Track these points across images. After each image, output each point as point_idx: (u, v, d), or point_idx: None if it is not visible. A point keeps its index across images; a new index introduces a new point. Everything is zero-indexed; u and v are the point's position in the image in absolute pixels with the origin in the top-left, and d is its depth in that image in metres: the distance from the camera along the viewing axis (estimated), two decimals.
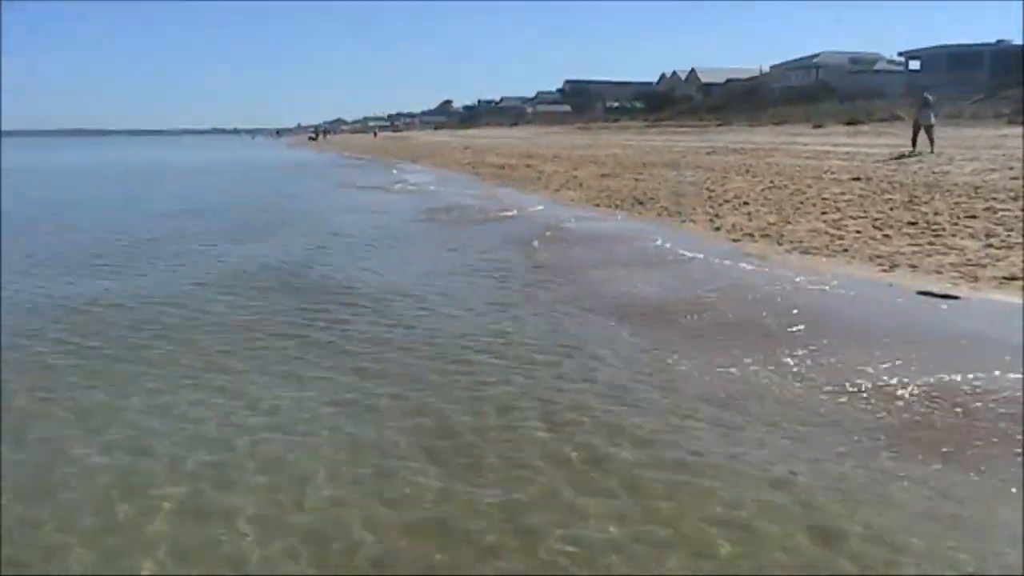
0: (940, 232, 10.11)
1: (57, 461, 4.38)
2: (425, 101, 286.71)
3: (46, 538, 3.62)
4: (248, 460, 4.35)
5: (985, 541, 3.43)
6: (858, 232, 10.66)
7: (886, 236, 10.25)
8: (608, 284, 8.70)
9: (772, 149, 27.51)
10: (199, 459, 4.37)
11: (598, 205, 16.26)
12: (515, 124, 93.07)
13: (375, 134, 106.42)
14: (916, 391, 5.04)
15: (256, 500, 3.90)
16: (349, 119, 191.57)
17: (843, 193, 14.29)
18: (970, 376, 5.22)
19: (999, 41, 56.03)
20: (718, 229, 11.97)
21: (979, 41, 55.84)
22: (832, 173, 17.89)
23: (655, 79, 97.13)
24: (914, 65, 60.58)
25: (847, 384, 5.22)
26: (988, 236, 9.65)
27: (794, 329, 6.55)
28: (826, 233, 10.80)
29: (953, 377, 5.23)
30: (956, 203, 12.14)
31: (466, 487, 3.99)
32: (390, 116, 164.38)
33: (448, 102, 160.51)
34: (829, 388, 5.19)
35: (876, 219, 11.40)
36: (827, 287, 7.97)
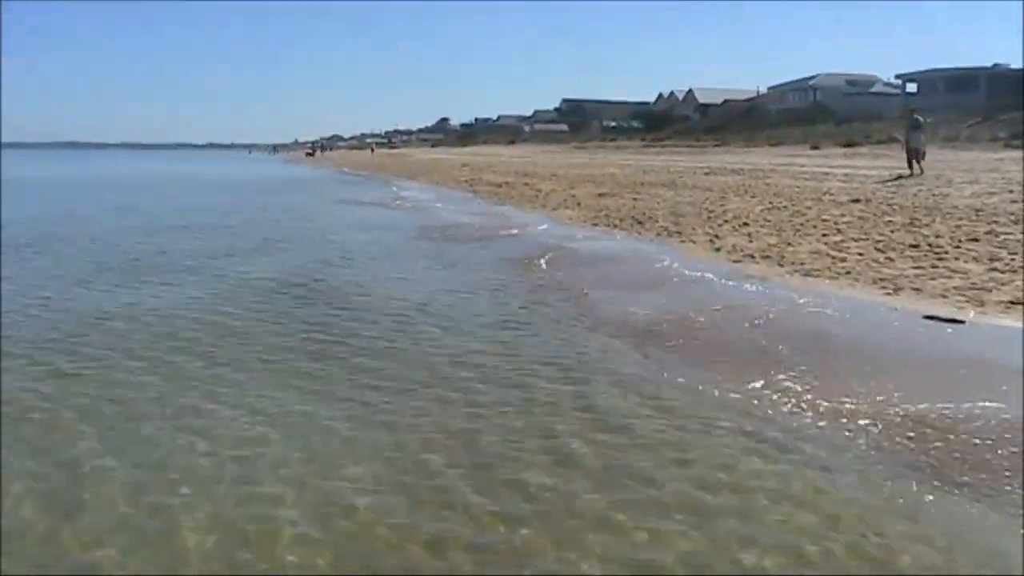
0: (943, 255, 10.05)
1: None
2: (422, 118, 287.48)
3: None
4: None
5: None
6: (860, 254, 10.60)
7: (888, 258, 10.19)
8: (612, 304, 8.60)
9: (770, 170, 27.55)
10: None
11: (596, 224, 16.20)
12: (512, 142, 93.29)
13: (372, 150, 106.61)
14: (933, 417, 4.95)
15: None
16: (346, 135, 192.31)
17: (843, 215, 14.25)
18: (992, 404, 5.13)
19: (995, 65, 56.46)
20: (718, 250, 11.91)
21: (975, 65, 56.24)
22: (831, 195, 17.87)
23: (652, 99, 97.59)
24: (911, 88, 61.00)
25: (867, 413, 5.13)
26: (992, 260, 9.59)
27: (806, 355, 6.45)
28: (828, 255, 10.73)
29: (976, 403, 5.14)
30: (957, 226, 12.10)
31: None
32: (387, 133, 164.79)
33: (445, 119, 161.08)
34: (845, 417, 5.09)
35: (878, 241, 11.34)
36: (833, 310, 7.89)
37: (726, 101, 78.73)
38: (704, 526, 3.73)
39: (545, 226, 16.26)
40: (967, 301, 7.95)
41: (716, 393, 5.59)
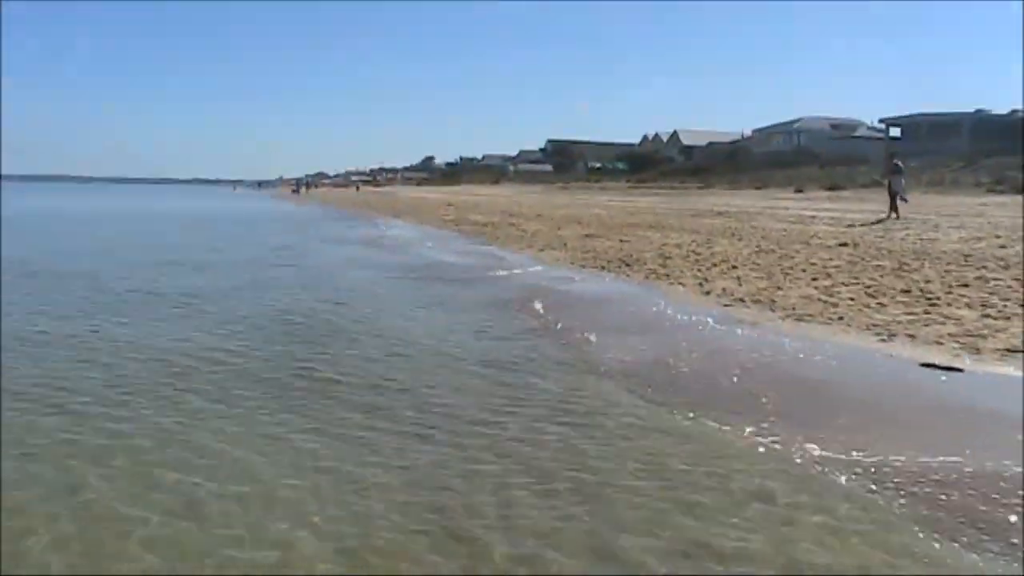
0: (935, 301, 10.01)
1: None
2: (408, 156, 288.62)
3: None
4: None
5: None
6: (851, 299, 10.55)
7: (880, 304, 10.13)
8: (605, 349, 8.49)
9: (756, 212, 27.70)
10: None
11: (584, 266, 16.10)
12: (497, 181, 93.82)
13: (358, 188, 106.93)
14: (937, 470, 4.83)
15: None
16: (331, 172, 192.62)
17: (831, 259, 14.24)
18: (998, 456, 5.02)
19: (978, 110, 57.43)
20: (708, 293, 11.82)
21: (958, 110, 57.15)
22: (819, 238, 17.92)
23: (637, 140, 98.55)
24: (895, 132, 61.89)
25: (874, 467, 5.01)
26: (984, 306, 9.56)
27: (807, 403, 6.35)
28: (819, 300, 10.67)
29: (985, 457, 5.03)
30: (947, 271, 12.11)
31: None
32: (372, 171, 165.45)
33: (431, 158, 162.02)
34: (858, 470, 4.97)
35: (868, 286, 11.30)
36: (828, 357, 7.79)
37: (711, 143, 79.62)
38: None
39: (536, 267, 16.14)
40: (962, 348, 7.88)
41: (729, 438, 5.46)
